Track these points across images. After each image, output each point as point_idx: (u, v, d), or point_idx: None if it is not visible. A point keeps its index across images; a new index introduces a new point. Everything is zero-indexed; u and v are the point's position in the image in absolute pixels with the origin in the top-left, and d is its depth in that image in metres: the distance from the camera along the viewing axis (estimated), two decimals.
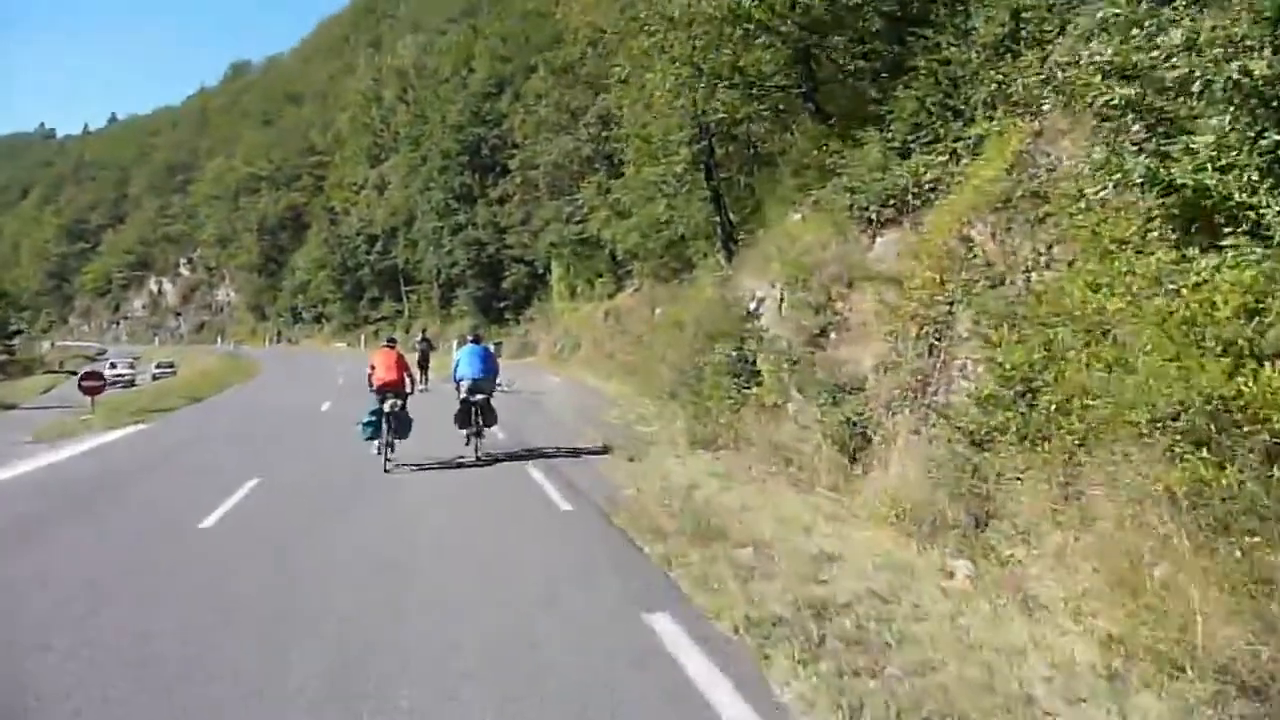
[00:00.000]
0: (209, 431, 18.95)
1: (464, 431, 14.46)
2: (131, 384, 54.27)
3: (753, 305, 15.04)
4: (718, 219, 21.55)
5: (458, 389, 14.52)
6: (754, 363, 13.88)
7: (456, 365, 14.82)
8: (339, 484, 12.74)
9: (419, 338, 28.92)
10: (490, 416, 14.57)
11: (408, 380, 14.52)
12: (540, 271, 52.38)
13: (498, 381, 15.41)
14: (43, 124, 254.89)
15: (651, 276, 33.43)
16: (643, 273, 33.97)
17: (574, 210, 42.53)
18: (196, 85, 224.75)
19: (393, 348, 14.95)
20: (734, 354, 14.05)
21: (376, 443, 13.72)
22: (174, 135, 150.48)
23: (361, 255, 77.10)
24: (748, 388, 13.62)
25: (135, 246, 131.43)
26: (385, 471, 13.29)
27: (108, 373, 58.54)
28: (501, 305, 56.93)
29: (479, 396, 14.29)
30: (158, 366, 59.70)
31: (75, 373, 76.07)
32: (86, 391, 22.75)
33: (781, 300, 13.23)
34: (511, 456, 14.39)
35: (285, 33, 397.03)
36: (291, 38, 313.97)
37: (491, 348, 16.86)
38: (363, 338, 75.16)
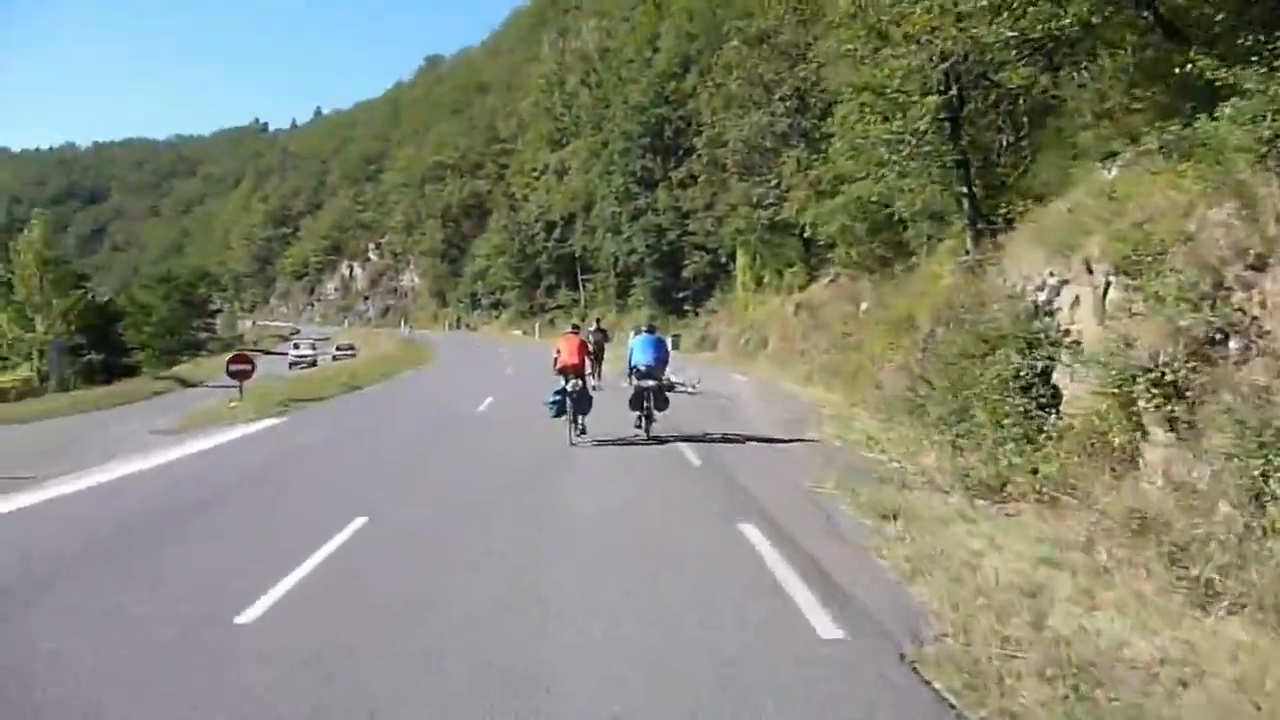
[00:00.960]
0: (340, 434, 16.09)
1: (635, 414, 15.54)
2: (314, 364, 54.67)
3: (1040, 297, 10.98)
4: (963, 190, 17.36)
5: (631, 375, 15.76)
6: (1048, 377, 9.88)
7: (631, 353, 16.04)
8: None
9: (593, 327, 25.84)
10: (662, 402, 15.73)
11: (588, 363, 16.13)
12: (723, 260, 48.87)
13: (682, 382, 16.71)
14: (257, 119, 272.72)
15: (854, 265, 29.26)
16: (846, 261, 29.84)
17: (765, 193, 38.71)
18: (394, 80, 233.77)
19: (576, 334, 16.52)
20: (1021, 364, 10.06)
21: (564, 418, 14.77)
22: (369, 127, 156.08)
23: (539, 242, 75.96)
24: (1045, 413, 9.63)
25: (330, 232, 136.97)
26: (571, 444, 14.32)
27: (292, 354, 59.77)
28: (680, 296, 53.84)
29: (651, 383, 15.44)
30: (338, 349, 60.13)
31: (268, 351, 79.26)
32: (234, 376, 20.96)
33: (1105, 289, 9.14)
34: (711, 494, 10.53)
35: (477, 26, 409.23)
36: (483, 30, 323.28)
37: (665, 338, 17.93)
38: (538, 326, 74.03)
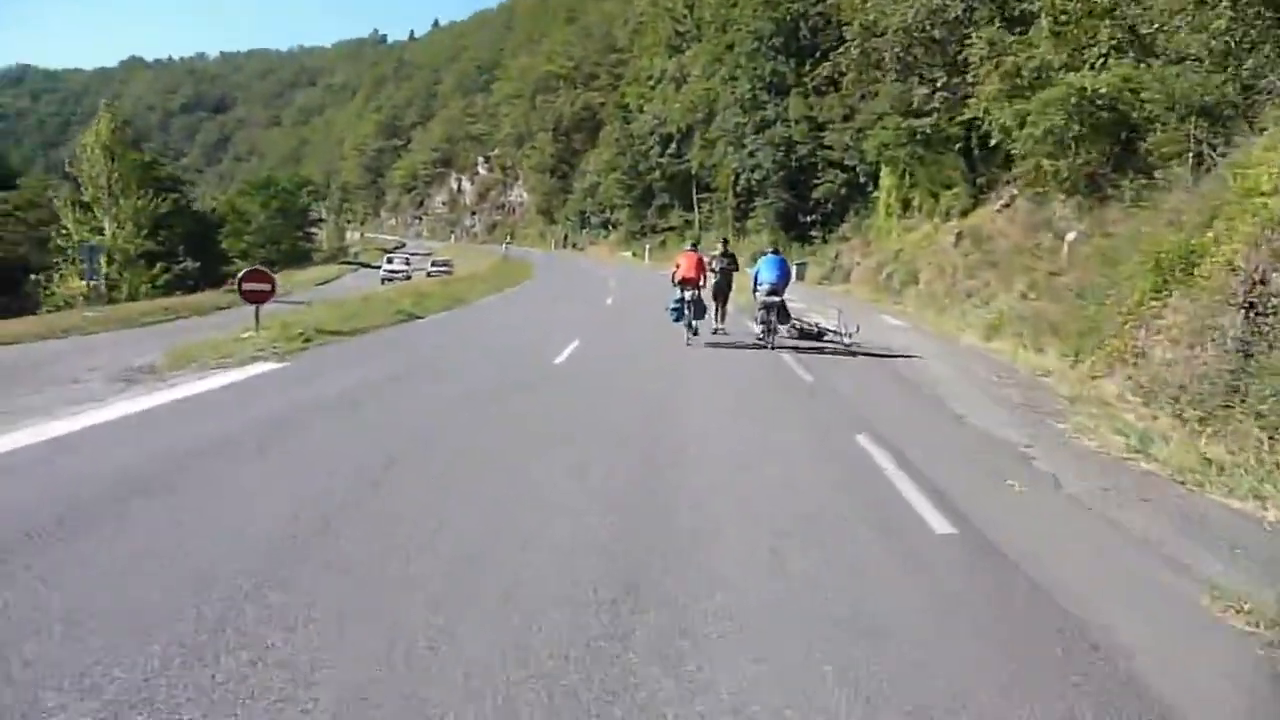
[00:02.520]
0: (339, 400, 10.04)
1: (758, 328, 16.98)
2: (408, 278, 51.12)
3: None
4: None
5: (756, 292, 17.08)
6: None
7: (757, 273, 17.16)
8: None
9: (718, 250, 18.86)
10: (784, 315, 16.93)
11: (704, 279, 17.21)
12: (861, 180, 42.32)
13: (835, 329, 16.97)
14: (376, 29, 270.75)
15: (1053, 183, 22.82)
16: (1038, 179, 23.34)
17: (927, 95, 32.09)
18: None
19: (695, 250, 17.82)
20: None
21: (682, 322, 16.77)
22: (485, 36, 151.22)
23: (654, 157, 70.02)
24: None
25: (440, 144, 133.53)
26: (686, 344, 16.34)
27: (385, 268, 56.20)
28: (808, 220, 47.55)
29: (775, 299, 16.60)
30: (434, 265, 56.14)
31: (366, 265, 76.44)
32: (247, 298, 16.37)
33: None
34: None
35: None
36: None
37: (789, 261, 19.95)
38: (648, 248, 68.73)
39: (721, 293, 18.18)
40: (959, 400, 11.14)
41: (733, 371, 13.74)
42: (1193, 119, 15.44)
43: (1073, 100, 18.71)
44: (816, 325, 17.24)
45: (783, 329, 16.73)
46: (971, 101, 25.41)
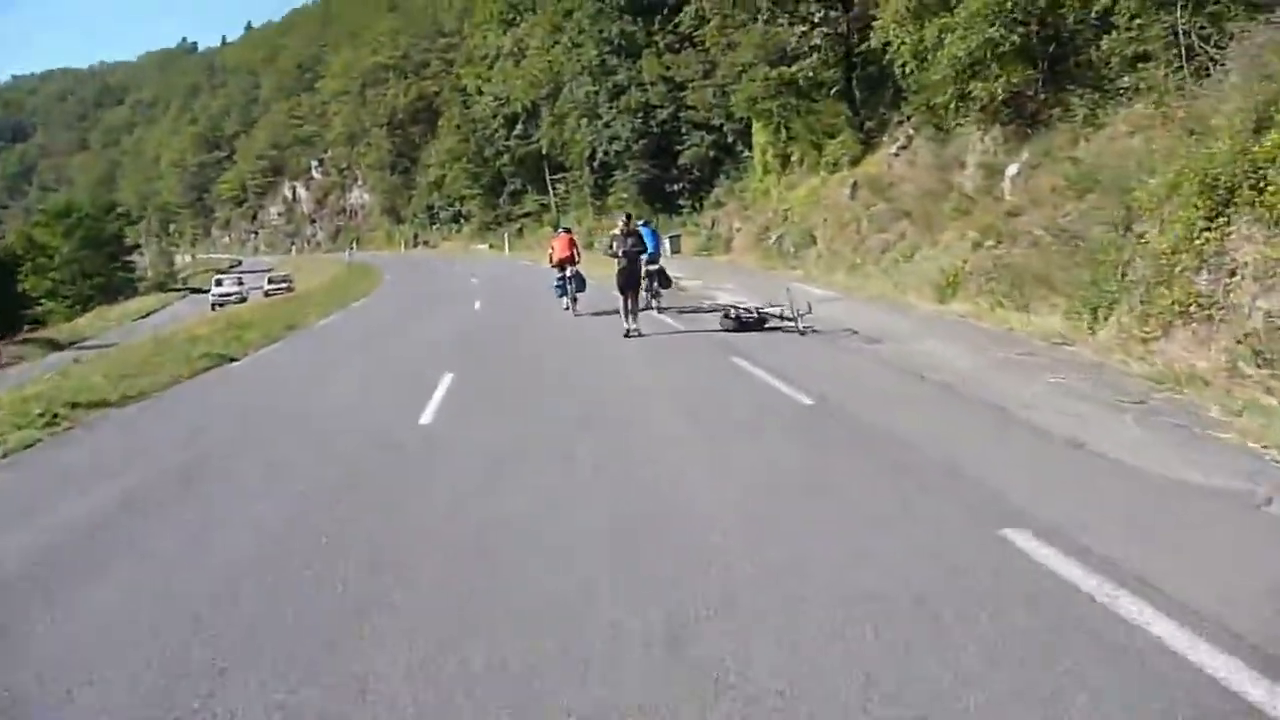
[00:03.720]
0: (61, 549, 5.71)
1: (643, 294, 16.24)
2: (243, 299, 45.53)
3: None
4: None
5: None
6: None
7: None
8: None
9: (619, 229, 14.47)
10: (665, 280, 18.23)
11: (577, 255, 19.03)
12: (730, 140, 39.38)
13: (778, 310, 14.00)
14: (184, 38, 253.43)
15: (958, 118, 20.08)
16: (943, 114, 20.51)
17: (803, 35, 29.12)
18: None
19: (568, 233, 20.26)
20: None
21: (565, 299, 18.69)
22: (302, 33, 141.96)
23: (500, 141, 65.55)
24: None
25: (267, 151, 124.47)
26: (575, 315, 18.01)
27: (214, 292, 50.00)
28: (675, 189, 44.34)
29: (654, 266, 17.20)
30: (270, 282, 50.23)
31: (198, 290, 69.15)
32: None
33: None
34: None
35: None
36: None
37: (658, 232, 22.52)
38: (506, 237, 64.44)
39: (631, 283, 13.82)
40: (1033, 409, 7.58)
41: (689, 402, 9.37)
42: (1178, 8, 12.65)
43: (1008, 5, 15.84)
44: (756, 311, 13.77)
45: (712, 319, 13.82)
46: (873, 30, 22.25)
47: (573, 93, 49.65)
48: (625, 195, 48.68)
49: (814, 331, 12.70)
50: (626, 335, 13.68)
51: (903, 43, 19.87)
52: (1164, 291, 9.42)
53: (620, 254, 13.75)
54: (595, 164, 50.33)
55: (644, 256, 15.20)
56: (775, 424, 7.87)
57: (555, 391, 10.43)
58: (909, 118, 25.44)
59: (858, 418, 7.85)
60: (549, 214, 61.76)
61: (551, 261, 19.04)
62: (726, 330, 13.43)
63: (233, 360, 15.45)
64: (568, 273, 18.52)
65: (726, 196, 39.88)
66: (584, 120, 48.78)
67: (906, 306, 15.46)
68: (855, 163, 27.93)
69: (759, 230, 33.71)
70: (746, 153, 38.53)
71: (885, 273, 20.70)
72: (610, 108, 45.34)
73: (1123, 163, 12.42)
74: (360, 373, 13.39)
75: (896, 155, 25.58)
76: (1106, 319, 10.50)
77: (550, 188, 61.52)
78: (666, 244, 35.27)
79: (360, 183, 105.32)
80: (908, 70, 20.56)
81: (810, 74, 29.76)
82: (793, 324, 12.98)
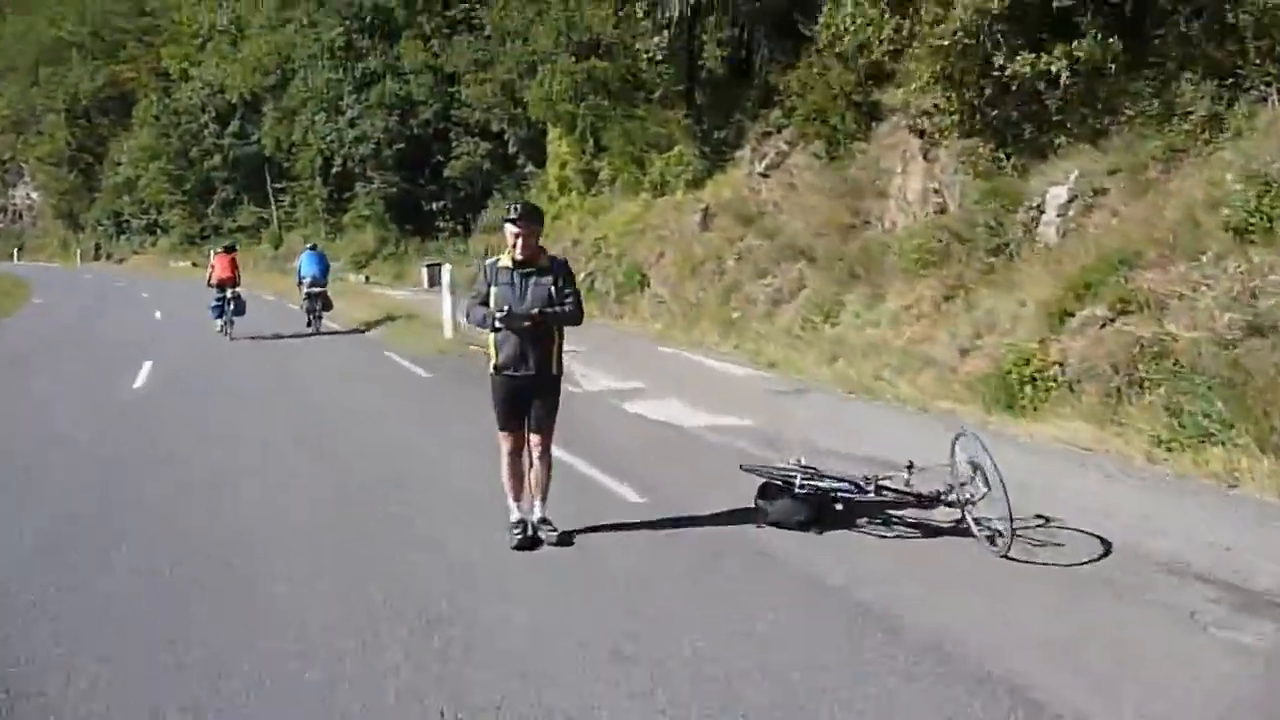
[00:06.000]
0: None
1: (308, 314, 19.18)
2: None
3: None
4: None
5: (300, 285, 19.62)
6: None
7: (300, 268, 19.83)
8: None
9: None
10: (328, 303, 19.60)
11: (238, 276, 18.79)
12: (513, 151, 31.96)
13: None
14: None
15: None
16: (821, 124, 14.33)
17: (619, 21, 22.53)
18: None
19: (231, 253, 19.52)
20: None
21: (220, 321, 18.17)
22: None
23: (209, 139, 54.02)
24: None
25: None
26: (231, 339, 17.57)
27: None
28: (434, 208, 36.23)
29: (318, 289, 19.21)
30: None
31: None
32: None
33: None
34: None
35: None
36: None
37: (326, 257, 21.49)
38: (211, 254, 52.81)
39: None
40: None
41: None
42: None
43: None
44: (867, 484, 5.47)
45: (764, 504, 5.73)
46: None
47: (308, 81, 40.08)
48: (368, 214, 39.90)
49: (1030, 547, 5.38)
50: None
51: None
52: None
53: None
54: (332, 173, 41.04)
55: (306, 280, 19.14)
56: None
57: None
58: (781, 129, 19.37)
59: None
60: (269, 229, 51.23)
61: (210, 281, 18.55)
62: (775, 520, 5.49)
63: None
64: (228, 294, 18.08)
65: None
66: (321, 116, 39.34)
67: (947, 416, 8.75)
68: (697, 184, 21.48)
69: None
70: (531, 168, 31.33)
71: (799, 339, 14.09)
72: (357, 100, 36.45)
73: None
74: None
75: (765, 176, 19.32)
76: None
77: (273, 199, 50.98)
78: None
79: (28, 178, 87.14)
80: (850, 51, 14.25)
81: (633, 70, 23.21)
82: (978, 520, 5.18)
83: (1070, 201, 10.49)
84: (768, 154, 19.51)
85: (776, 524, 5.40)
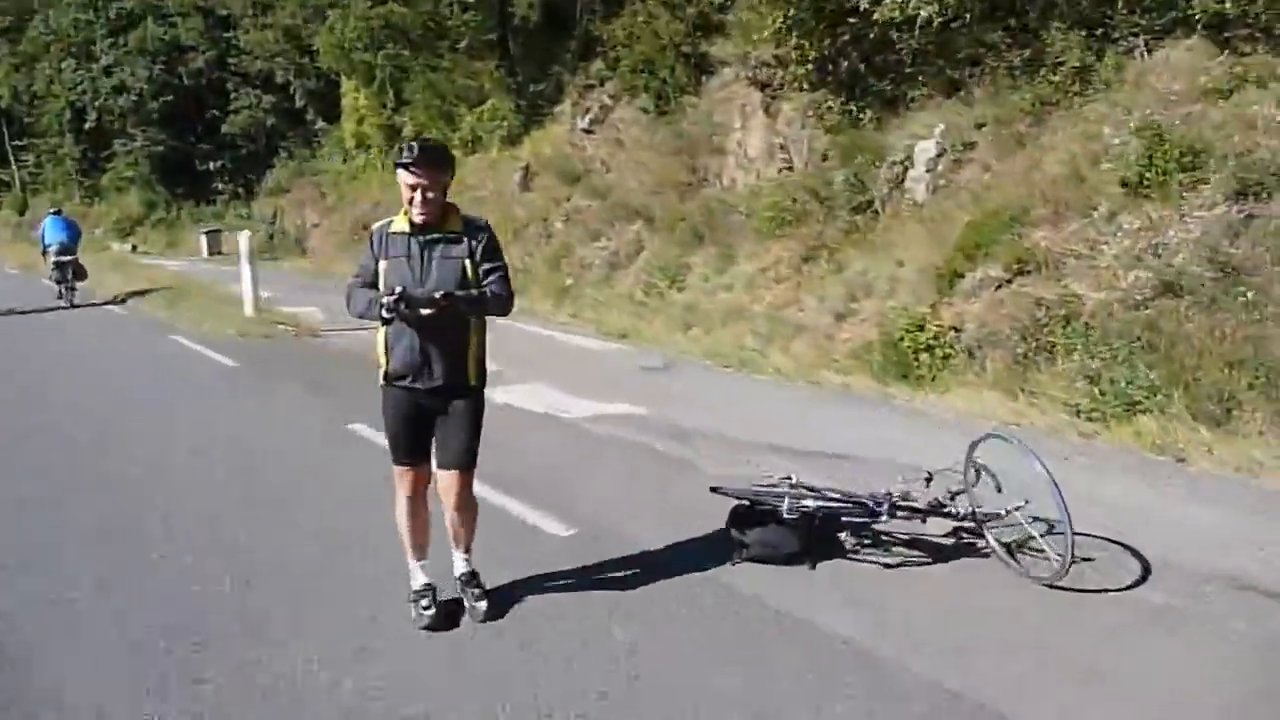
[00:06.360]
0: None
1: (59, 286, 16.64)
2: None
3: None
4: None
5: (47, 253, 16.81)
6: None
7: (44, 234, 17.08)
8: None
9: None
10: (80, 272, 16.96)
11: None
12: (300, 105, 29.11)
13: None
14: None
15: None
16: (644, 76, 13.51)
17: None
18: None
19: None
20: None
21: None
22: None
23: None
24: None
25: None
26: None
27: None
28: (210, 168, 32.71)
29: (67, 258, 16.68)
30: None
31: None
32: None
33: None
34: None
35: None
36: None
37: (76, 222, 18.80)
38: None
39: None
40: None
41: None
42: None
43: None
44: (896, 499, 4.37)
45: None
46: None
47: (51, 22, 35.02)
48: (131, 175, 35.67)
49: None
50: None
51: None
52: None
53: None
54: (85, 128, 36.26)
55: (52, 248, 16.67)
56: None
57: None
58: (604, 81, 18.26)
59: None
60: (10, 192, 45.11)
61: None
62: (755, 555, 4.30)
63: None
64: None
65: (293, 180, 29.43)
66: (69, 63, 34.52)
67: (822, 387, 7.96)
68: (514, 140, 20.04)
69: (353, 227, 24.35)
70: (323, 123, 28.70)
71: (644, 305, 13.13)
72: (113, 45, 32.14)
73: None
74: None
75: (590, 131, 18.15)
76: None
77: (13, 158, 44.77)
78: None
79: None
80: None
81: (435, 16, 21.41)
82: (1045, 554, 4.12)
83: (939, 156, 9.97)
84: (591, 108, 18.35)
85: (757, 559, 4.24)
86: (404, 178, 3.57)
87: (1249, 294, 6.49)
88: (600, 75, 18.31)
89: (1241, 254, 6.83)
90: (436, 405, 3.73)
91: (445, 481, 3.82)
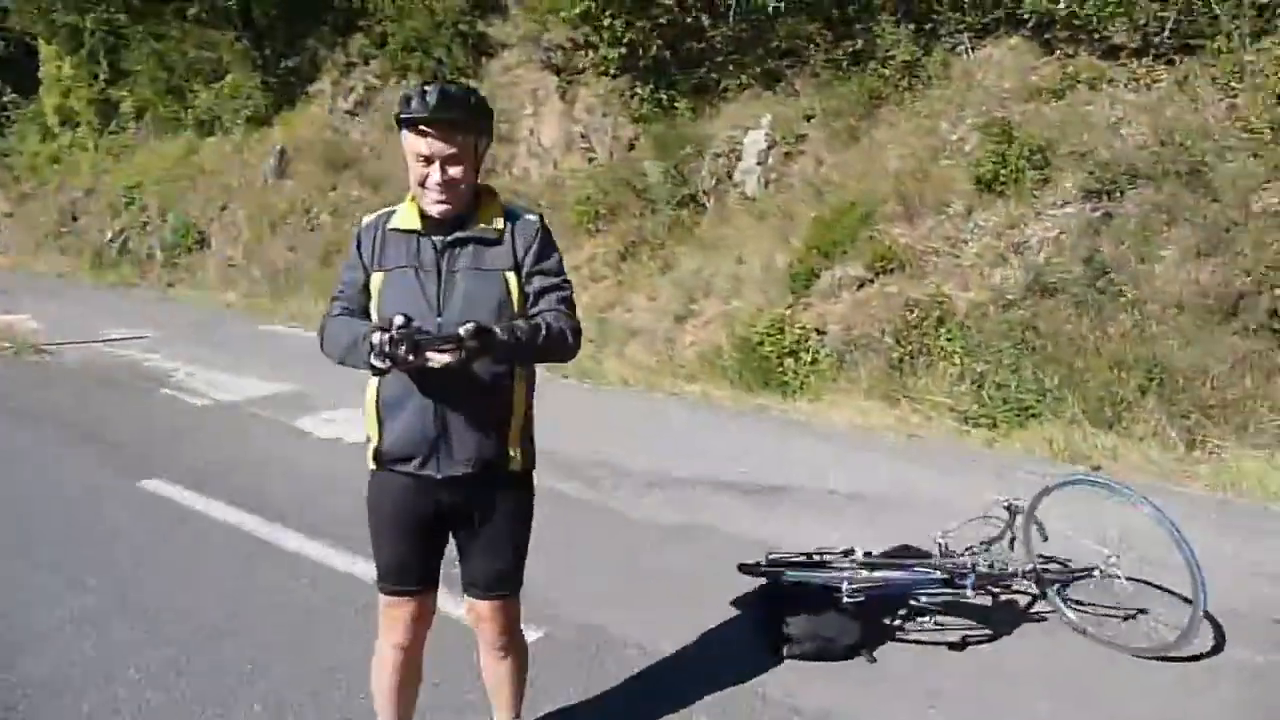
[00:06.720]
0: None
1: None
2: None
3: None
4: None
5: None
6: None
7: None
8: None
9: None
10: None
11: None
12: None
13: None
14: None
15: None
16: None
17: None
18: None
19: None
20: None
21: None
22: None
23: None
24: None
25: None
26: None
27: None
28: None
29: None
30: None
31: None
32: None
33: None
34: None
35: None
36: None
37: None
38: None
39: None
40: None
41: None
42: None
43: None
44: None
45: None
46: None
47: None
48: None
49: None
50: None
51: None
52: None
53: None
54: None
55: None
56: None
57: None
58: (369, 59, 16.63)
59: None
60: None
61: None
62: (804, 651, 3.28)
63: None
64: None
65: None
66: None
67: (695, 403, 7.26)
68: (264, 121, 17.85)
69: (57, 220, 21.03)
70: (14, 95, 24.60)
71: None
72: None
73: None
74: None
75: (354, 114, 16.45)
76: None
77: None
78: None
79: None
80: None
81: None
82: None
83: (769, 148, 9.54)
84: (354, 88, 16.66)
85: (808, 656, 3.23)
86: (411, 143, 2.24)
87: (1128, 293, 6.42)
88: (364, 53, 16.64)
89: (1106, 253, 6.78)
90: (459, 503, 2.39)
91: (482, 614, 2.51)
